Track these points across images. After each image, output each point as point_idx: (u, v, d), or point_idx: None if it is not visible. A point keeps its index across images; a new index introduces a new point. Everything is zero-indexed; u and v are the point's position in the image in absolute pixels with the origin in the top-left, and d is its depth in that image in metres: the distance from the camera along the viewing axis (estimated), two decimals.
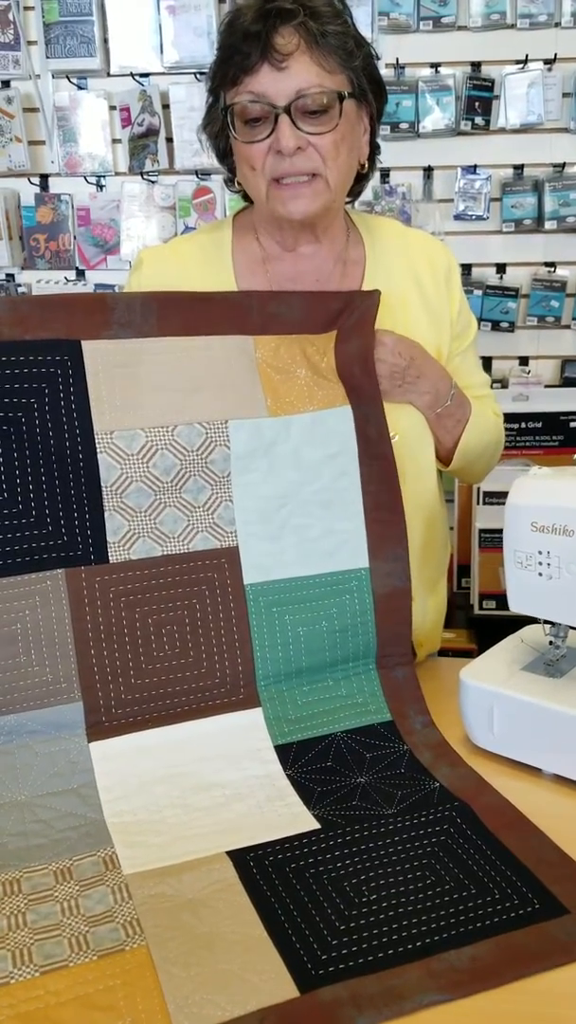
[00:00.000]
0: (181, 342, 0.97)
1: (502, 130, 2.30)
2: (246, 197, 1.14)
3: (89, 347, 0.94)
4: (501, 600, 2.18)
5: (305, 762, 0.94)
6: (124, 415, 0.95)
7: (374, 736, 0.98)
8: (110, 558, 0.95)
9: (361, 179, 1.15)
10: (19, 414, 0.92)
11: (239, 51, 0.98)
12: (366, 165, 1.12)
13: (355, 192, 1.16)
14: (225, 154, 1.11)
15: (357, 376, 1.04)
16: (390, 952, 0.68)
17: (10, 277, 2.51)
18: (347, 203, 1.16)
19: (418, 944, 0.69)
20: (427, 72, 2.30)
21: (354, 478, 1.03)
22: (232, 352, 0.99)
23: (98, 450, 0.94)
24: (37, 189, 2.47)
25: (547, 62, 2.25)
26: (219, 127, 1.07)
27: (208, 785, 0.90)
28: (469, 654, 2.18)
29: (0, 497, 0.91)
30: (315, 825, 0.84)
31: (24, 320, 0.92)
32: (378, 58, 1.08)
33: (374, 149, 1.13)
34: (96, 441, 0.94)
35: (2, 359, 0.91)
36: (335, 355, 1.03)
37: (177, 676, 0.97)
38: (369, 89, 1.06)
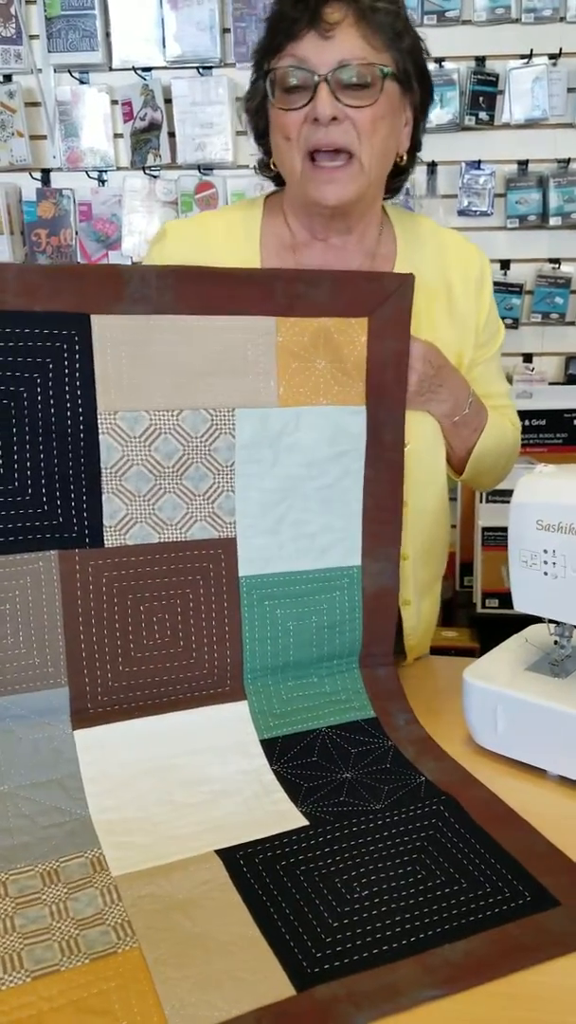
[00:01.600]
0: (197, 321, 0.93)
1: (506, 125, 2.29)
2: (277, 181, 1.11)
3: (99, 322, 0.90)
4: (504, 598, 2.17)
5: (291, 757, 0.93)
6: (129, 395, 0.92)
7: (358, 732, 0.98)
8: (105, 542, 0.93)
9: (399, 173, 1.11)
10: (20, 389, 0.88)
11: (286, 17, 0.97)
12: (404, 158, 1.09)
13: (393, 188, 1.13)
14: (263, 134, 1.08)
15: (388, 379, 1.01)
16: (384, 948, 0.68)
17: None
18: (385, 199, 1.13)
19: (412, 939, 0.69)
20: (431, 66, 2.26)
21: (357, 479, 1.01)
22: (251, 334, 0.95)
23: (100, 430, 0.91)
24: (39, 184, 2.45)
25: (552, 57, 2.23)
26: (259, 102, 1.04)
27: (195, 780, 0.89)
28: (471, 653, 2.17)
29: None
30: (303, 822, 0.83)
31: (33, 289, 0.87)
32: (428, 55, 1.06)
33: (415, 144, 1.10)
34: (98, 421, 0.91)
35: (6, 330, 0.87)
36: (368, 351, 0.99)
37: (165, 665, 0.96)
38: (415, 76, 1.03)
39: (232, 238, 1.10)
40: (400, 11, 1.00)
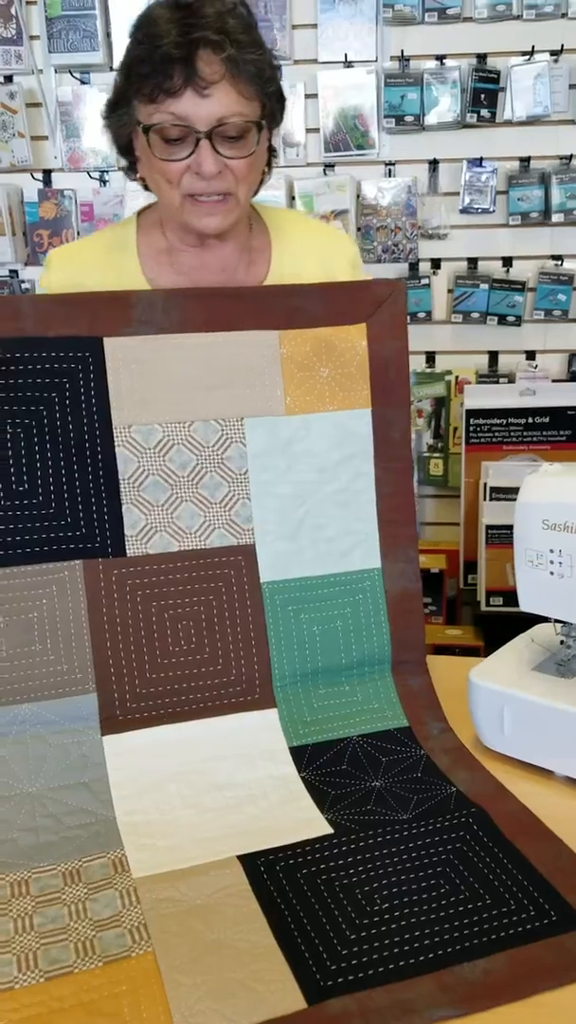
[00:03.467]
0: (203, 338, 0.98)
1: (508, 122, 2.28)
2: (148, 187, 1.15)
3: (111, 343, 0.95)
4: (508, 596, 2.17)
5: (320, 764, 0.93)
6: (142, 410, 0.96)
7: (390, 741, 0.97)
8: (127, 551, 0.96)
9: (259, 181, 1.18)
10: (40, 408, 0.93)
11: (161, 71, 0.98)
12: (267, 170, 1.15)
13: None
14: (125, 149, 1.12)
15: (391, 379, 1.04)
16: (401, 964, 0.67)
17: (13, 273, 2.50)
18: None
19: (430, 956, 0.68)
20: (432, 64, 2.28)
21: (369, 480, 1.04)
22: (256, 348, 0.99)
23: (116, 443, 0.95)
24: (40, 184, 2.45)
25: (553, 53, 2.23)
26: (127, 128, 1.08)
27: (221, 785, 0.90)
28: (476, 651, 2.18)
29: (21, 488, 0.93)
30: (328, 830, 0.83)
31: (47, 318, 0.93)
32: (279, 64, 1.11)
33: (271, 153, 1.15)
34: (114, 434, 0.95)
35: (25, 355, 0.92)
36: (370, 354, 1.02)
37: (192, 672, 0.97)
38: (277, 109, 1.09)
39: (111, 254, 1.17)
40: (265, 55, 1.04)
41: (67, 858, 0.81)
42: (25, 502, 0.92)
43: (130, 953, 0.70)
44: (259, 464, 0.99)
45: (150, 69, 0.99)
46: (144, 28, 1.02)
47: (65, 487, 0.94)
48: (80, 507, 0.94)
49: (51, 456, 0.93)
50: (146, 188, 1.16)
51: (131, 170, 1.16)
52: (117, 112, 1.08)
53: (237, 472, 0.99)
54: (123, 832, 0.83)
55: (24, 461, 0.92)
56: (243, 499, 0.99)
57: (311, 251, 1.20)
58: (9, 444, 0.92)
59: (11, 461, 0.92)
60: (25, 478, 0.93)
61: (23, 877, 0.79)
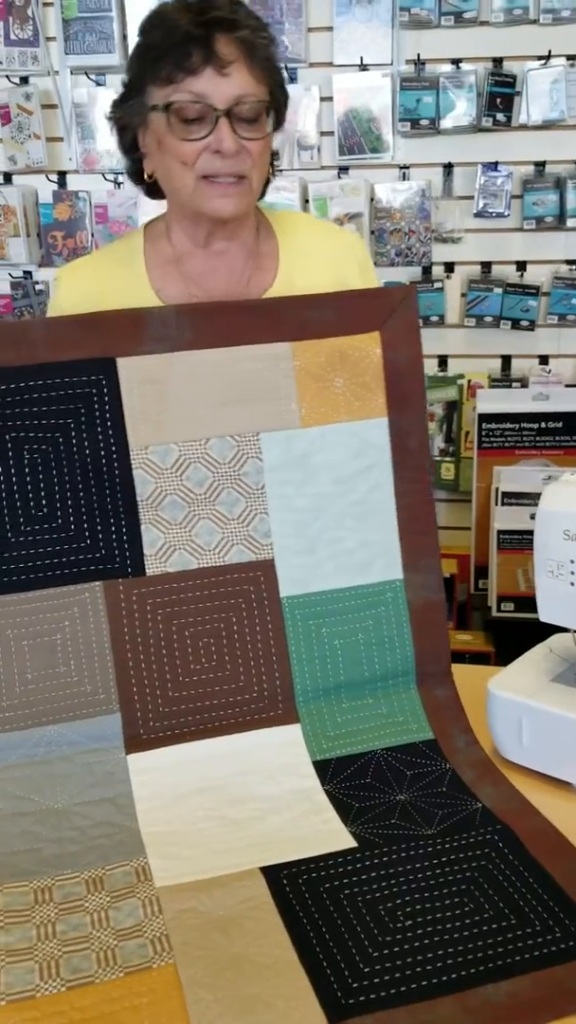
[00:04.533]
0: (215, 355, 0.98)
1: (524, 126, 2.27)
2: (150, 193, 1.16)
3: (124, 364, 0.95)
4: (519, 602, 2.17)
5: (344, 778, 0.93)
6: (158, 430, 0.96)
7: (415, 754, 0.97)
8: (147, 571, 0.96)
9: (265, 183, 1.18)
10: (56, 434, 0.94)
11: (179, 51, 1.01)
12: (270, 170, 1.17)
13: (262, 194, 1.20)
14: (131, 147, 1.13)
15: (407, 387, 1.03)
16: (423, 983, 0.66)
17: (27, 274, 2.51)
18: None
19: (453, 976, 0.67)
20: (448, 68, 2.27)
21: (388, 491, 1.03)
22: (269, 361, 0.99)
23: (133, 465, 0.96)
24: (55, 186, 2.46)
25: (570, 58, 2.22)
26: (138, 120, 1.08)
27: (245, 798, 0.90)
28: (486, 657, 2.17)
29: (40, 512, 0.94)
30: (352, 843, 0.83)
31: (60, 341, 0.94)
32: (285, 67, 1.15)
33: (273, 157, 1.17)
34: (131, 456, 0.96)
35: (39, 382, 0.93)
36: (385, 362, 1.02)
37: (215, 689, 0.97)
38: (281, 101, 1.11)
39: (119, 266, 1.18)
40: (272, 40, 1.07)
41: (90, 866, 0.81)
42: (44, 526, 0.93)
43: (151, 964, 0.70)
44: (276, 478, 0.99)
45: (167, 50, 1.02)
46: (155, 20, 1.05)
47: (84, 510, 0.94)
48: (99, 529, 0.95)
49: (69, 480, 0.94)
50: (149, 193, 1.16)
51: (135, 173, 1.16)
52: (127, 103, 1.09)
53: (254, 487, 0.99)
54: (146, 842, 0.84)
55: (42, 486, 0.93)
56: (261, 514, 0.99)
57: (319, 254, 1.20)
58: (27, 470, 0.93)
59: (29, 487, 0.93)
60: (44, 503, 0.94)
61: (46, 884, 0.79)
